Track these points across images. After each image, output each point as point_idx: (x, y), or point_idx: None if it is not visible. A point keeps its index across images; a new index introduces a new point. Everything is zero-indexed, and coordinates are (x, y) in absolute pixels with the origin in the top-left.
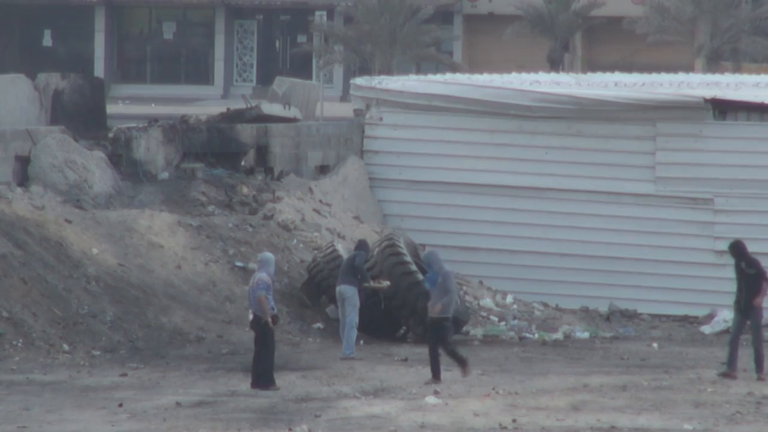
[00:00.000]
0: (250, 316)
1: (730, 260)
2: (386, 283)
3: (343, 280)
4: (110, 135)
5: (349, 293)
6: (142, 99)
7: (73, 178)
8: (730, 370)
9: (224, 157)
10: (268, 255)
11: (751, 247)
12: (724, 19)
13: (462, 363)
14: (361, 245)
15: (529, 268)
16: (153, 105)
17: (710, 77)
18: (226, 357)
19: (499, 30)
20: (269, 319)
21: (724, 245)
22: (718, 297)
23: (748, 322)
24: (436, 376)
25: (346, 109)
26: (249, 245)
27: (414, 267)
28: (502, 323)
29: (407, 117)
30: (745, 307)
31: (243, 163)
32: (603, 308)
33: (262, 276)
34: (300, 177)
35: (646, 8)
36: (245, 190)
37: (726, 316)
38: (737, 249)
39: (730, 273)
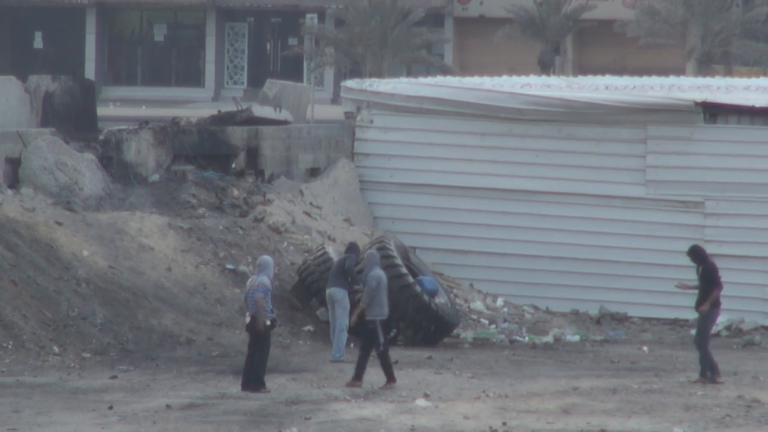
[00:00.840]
0: (247, 319)
1: (721, 263)
2: None
3: (333, 283)
4: (101, 137)
5: (339, 296)
6: (133, 101)
7: (63, 180)
8: (713, 376)
9: (215, 160)
10: (268, 258)
11: (741, 250)
12: (715, 22)
13: (357, 375)
14: (352, 248)
15: (520, 271)
16: (144, 107)
17: (701, 80)
18: (216, 359)
19: (490, 33)
20: (267, 322)
21: (715, 248)
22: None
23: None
24: (356, 377)
25: (336, 112)
26: (239, 248)
27: (404, 270)
28: (493, 326)
29: (398, 120)
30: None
31: (234, 165)
32: (593, 311)
33: (263, 279)
34: (291, 179)
35: (637, 11)
36: (236, 192)
37: (717, 320)
38: (697, 253)
39: (722, 276)
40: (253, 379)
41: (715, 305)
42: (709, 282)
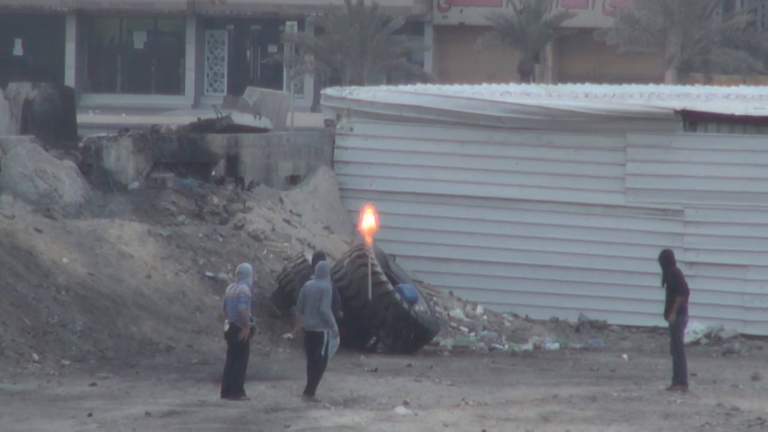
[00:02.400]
0: (226, 326)
1: (700, 271)
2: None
3: None
4: (81, 144)
5: None
6: (113, 108)
7: (43, 187)
8: (680, 381)
9: (195, 167)
10: (247, 266)
11: (721, 259)
12: (695, 30)
13: (308, 387)
14: (318, 257)
15: (500, 279)
16: (123, 114)
17: (681, 88)
18: (195, 367)
19: (470, 41)
20: (247, 332)
21: (694, 256)
22: (688, 308)
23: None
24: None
25: (316, 119)
26: (219, 255)
27: (384, 278)
28: (472, 334)
29: (378, 127)
30: (665, 315)
31: (213, 173)
32: (573, 319)
33: (244, 288)
34: (270, 187)
35: (616, 19)
36: (215, 200)
37: (696, 328)
38: (665, 258)
39: (701, 284)
40: (232, 386)
41: (682, 312)
42: (672, 289)
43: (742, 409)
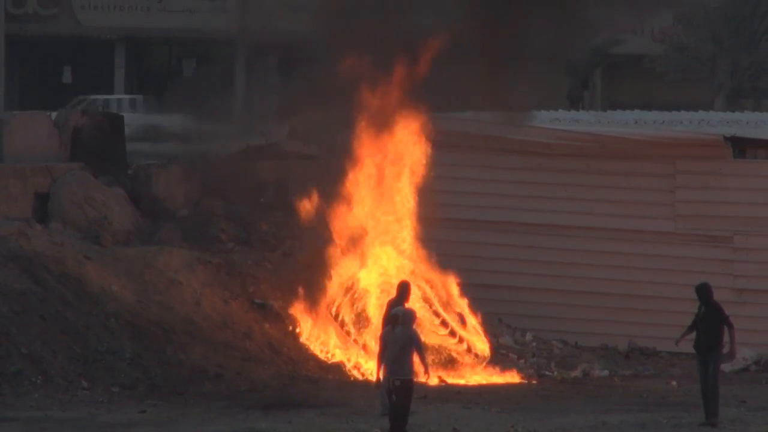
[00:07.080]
0: None
1: (749, 298)
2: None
3: None
4: (130, 172)
5: None
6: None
7: (92, 214)
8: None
9: (244, 194)
10: (400, 309)
11: None
12: (744, 57)
13: None
14: (402, 290)
15: (549, 306)
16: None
17: (730, 115)
18: (244, 394)
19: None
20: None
21: (743, 283)
22: (737, 335)
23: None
24: None
25: None
26: (268, 282)
27: None
28: (522, 361)
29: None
30: (705, 350)
31: (262, 199)
32: (622, 346)
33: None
34: None
35: (665, 46)
36: (265, 227)
37: (746, 354)
38: (706, 291)
39: (750, 311)
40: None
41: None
42: (717, 321)
43: None
